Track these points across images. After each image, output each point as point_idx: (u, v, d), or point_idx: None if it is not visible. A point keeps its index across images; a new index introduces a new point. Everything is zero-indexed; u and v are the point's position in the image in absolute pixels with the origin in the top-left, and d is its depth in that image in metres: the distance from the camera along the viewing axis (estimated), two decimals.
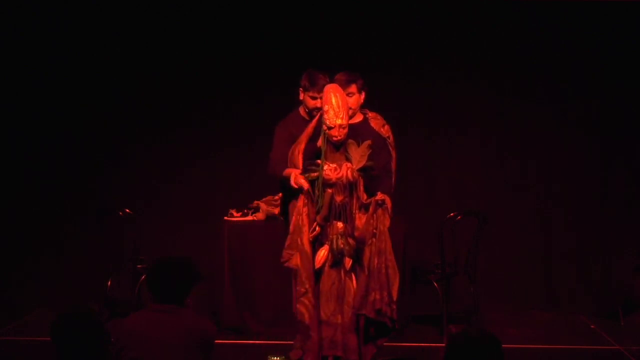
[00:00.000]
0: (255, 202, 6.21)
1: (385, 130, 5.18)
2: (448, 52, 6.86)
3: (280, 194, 5.57)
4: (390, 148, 5.17)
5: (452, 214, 6.09)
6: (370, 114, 5.22)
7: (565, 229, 6.89)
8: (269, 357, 5.10)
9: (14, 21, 6.84)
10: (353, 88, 5.07)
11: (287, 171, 4.91)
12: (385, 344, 4.99)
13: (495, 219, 6.50)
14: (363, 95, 5.14)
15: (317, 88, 5.07)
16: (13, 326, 6.27)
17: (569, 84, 6.83)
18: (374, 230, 4.75)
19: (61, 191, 6.90)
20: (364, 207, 4.78)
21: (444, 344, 5.45)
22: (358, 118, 5.12)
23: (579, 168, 6.88)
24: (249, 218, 6.12)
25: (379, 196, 4.72)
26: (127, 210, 6.33)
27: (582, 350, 5.84)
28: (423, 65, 6.88)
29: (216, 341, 3.69)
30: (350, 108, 5.00)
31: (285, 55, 6.77)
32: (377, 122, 5.18)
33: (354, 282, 4.78)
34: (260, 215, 6.09)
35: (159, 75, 6.90)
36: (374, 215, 4.74)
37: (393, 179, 5.11)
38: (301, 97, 5.23)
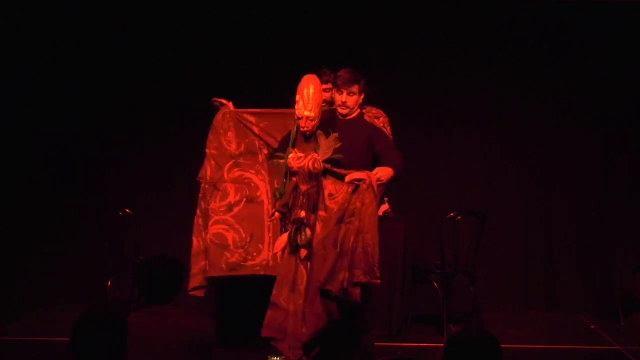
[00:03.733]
0: None
1: (379, 122, 5.21)
2: (448, 52, 6.86)
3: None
4: (388, 138, 5.18)
5: (452, 214, 6.09)
6: (365, 109, 5.25)
7: (565, 229, 6.88)
8: (269, 357, 5.10)
9: (15, 21, 6.84)
10: (355, 88, 5.10)
11: None
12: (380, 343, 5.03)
13: (495, 219, 6.51)
14: (362, 96, 5.16)
15: (321, 80, 5.18)
16: (13, 326, 6.27)
17: (569, 84, 6.83)
18: (354, 209, 4.75)
19: (61, 191, 6.90)
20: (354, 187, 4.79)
21: (444, 344, 5.46)
22: (354, 113, 5.15)
23: (579, 168, 6.88)
24: None
25: (367, 179, 4.75)
26: (127, 210, 6.34)
27: (582, 350, 5.84)
28: (423, 65, 6.88)
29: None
30: (348, 107, 5.05)
31: (285, 55, 6.77)
32: (370, 115, 5.21)
33: (306, 271, 4.80)
34: None
35: (159, 76, 6.90)
36: (355, 194, 4.74)
37: (400, 158, 5.06)
38: None
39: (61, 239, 6.90)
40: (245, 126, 5.44)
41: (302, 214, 4.81)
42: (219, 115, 5.48)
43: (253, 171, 5.38)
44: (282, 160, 4.90)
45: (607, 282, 6.75)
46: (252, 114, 5.49)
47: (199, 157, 6.95)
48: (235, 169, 5.39)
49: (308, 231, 4.79)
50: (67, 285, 6.77)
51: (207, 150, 5.41)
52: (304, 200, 4.82)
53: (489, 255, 6.65)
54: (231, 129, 5.43)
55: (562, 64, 6.81)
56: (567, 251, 6.88)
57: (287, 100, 5.63)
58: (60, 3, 6.87)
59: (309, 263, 4.80)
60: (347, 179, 4.79)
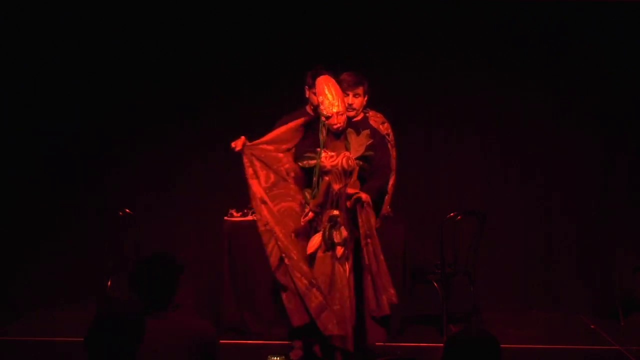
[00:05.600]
0: None
1: (384, 128, 5.22)
2: (449, 52, 6.86)
3: None
4: (390, 146, 5.19)
5: (452, 214, 6.09)
6: (370, 113, 5.25)
7: (565, 229, 6.88)
8: (269, 357, 5.11)
9: (15, 21, 6.84)
10: (360, 90, 5.13)
11: None
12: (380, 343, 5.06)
13: (495, 219, 6.51)
14: (366, 98, 5.19)
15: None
16: (13, 326, 6.27)
17: (569, 84, 6.83)
18: (367, 232, 4.79)
19: (61, 191, 6.90)
20: (348, 199, 4.82)
21: (444, 344, 5.45)
22: (358, 117, 5.16)
23: (579, 168, 6.88)
24: (249, 218, 6.10)
25: (363, 195, 4.79)
26: (127, 210, 6.34)
27: (582, 350, 5.84)
28: (423, 64, 6.88)
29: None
30: (354, 109, 5.06)
31: (285, 55, 6.77)
32: (376, 120, 5.22)
33: (347, 270, 4.82)
34: None
35: (159, 76, 6.90)
36: (363, 215, 4.77)
37: (393, 177, 5.12)
38: (307, 95, 5.33)
39: (61, 239, 6.90)
40: (265, 157, 5.13)
41: (336, 212, 4.82)
42: (245, 160, 5.12)
43: (289, 198, 5.09)
44: (312, 162, 4.89)
45: (607, 282, 6.74)
46: (267, 142, 5.15)
47: (199, 157, 7.00)
48: (272, 204, 5.08)
49: (343, 229, 4.80)
50: (67, 285, 6.77)
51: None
52: (338, 199, 4.83)
53: (489, 255, 6.65)
54: (255, 163, 5.12)
55: (562, 64, 6.80)
56: (567, 251, 6.88)
57: (287, 100, 5.65)
58: (60, 3, 6.87)
59: (347, 262, 4.83)
60: (350, 190, 4.82)
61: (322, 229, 4.84)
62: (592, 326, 6.36)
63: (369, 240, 4.80)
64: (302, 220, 4.94)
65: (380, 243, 4.87)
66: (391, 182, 5.17)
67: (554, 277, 6.89)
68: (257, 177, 5.06)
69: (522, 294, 6.89)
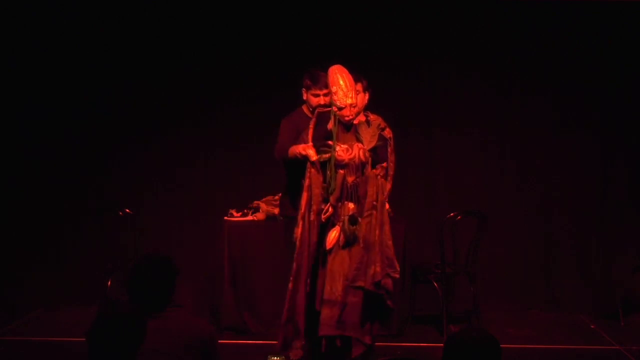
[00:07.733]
0: (255, 202, 6.22)
1: (386, 132, 5.20)
2: (448, 52, 6.86)
3: (280, 194, 5.60)
4: (390, 150, 5.18)
5: (452, 214, 6.09)
6: (371, 116, 5.24)
7: (565, 229, 6.88)
8: (269, 357, 5.10)
9: (15, 21, 6.84)
10: (359, 87, 5.09)
11: (293, 147, 4.91)
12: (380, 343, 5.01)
13: (495, 218, 6.51)
14: (367, 96, 5.16)
15: (319, 85, 5.16)
16: (13, 326, 6.27)
17: (569, 84, 6.83)
18: (374, 203, 4.75)
19: (61, 191, 6.90)
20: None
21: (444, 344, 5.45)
22: (360, 119, 5.13)
23: (579, 168, 6.88)
24: (249, 218, 6.12)
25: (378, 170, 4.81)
26: (127, 210, 6.34)
27: (582, 350, 5.84)
28: (423, 65, 6.89)
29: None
30: (356, 106, 5.03)
31: (285, 56, 6.77)
32: (381, 124, 5.21)
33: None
34: (260, 215, 6.09)
35: (159, 76, 6.89)
36: (370, 186, 4.74)
37: (390, 184, 5.08)
38: (304, 97, 5.31)
39: (61, 239, 6.90)
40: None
41: (351, 206, 4.79)
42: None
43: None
44: (327, 155, 4.81)
45: (607, 282, 6.75)
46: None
47: (199, 157, 7.00)
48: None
49: (363, 223, 4.78)
50: (67, 285, 6.77)
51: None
52: (352, 192, 4.79)
53: (489, 255, 6.65)
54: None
55: (562, 64, 6.80)
56: (567, 251, 6.88)
57: (287, 100, 5.64)
58: (61, 3, 6.87)
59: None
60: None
61: (341, 222, 4.80)
62: (592, 326, 6.37)
63: (373, 211, 4.75)
64: (322, 217, 4.84)
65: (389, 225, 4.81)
66: (388, 187, 5.13)
67: (554, 277, 6.89)
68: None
69: (522, 294, 6.89)
